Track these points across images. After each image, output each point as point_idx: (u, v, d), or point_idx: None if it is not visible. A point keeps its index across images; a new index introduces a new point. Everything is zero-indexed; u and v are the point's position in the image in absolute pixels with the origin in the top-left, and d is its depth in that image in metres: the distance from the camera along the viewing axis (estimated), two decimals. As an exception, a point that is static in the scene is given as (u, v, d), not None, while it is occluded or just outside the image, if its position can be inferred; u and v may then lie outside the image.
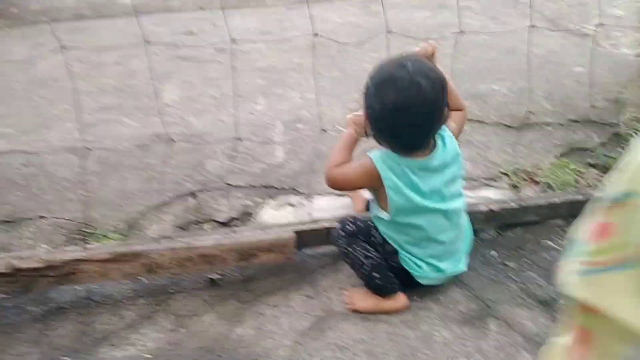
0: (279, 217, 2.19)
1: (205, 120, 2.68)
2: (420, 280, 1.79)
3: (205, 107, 2.78)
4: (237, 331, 1.75)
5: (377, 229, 1.77)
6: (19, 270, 1.74)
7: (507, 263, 2.02)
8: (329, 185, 1.75)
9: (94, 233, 2.09)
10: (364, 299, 1.81)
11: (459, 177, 1.77)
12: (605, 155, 2.49)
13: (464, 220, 1.85)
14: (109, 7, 4.36)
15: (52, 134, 2.59)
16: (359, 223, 1.80)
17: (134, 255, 1.79)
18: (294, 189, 2.31)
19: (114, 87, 2.93)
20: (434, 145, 1.69)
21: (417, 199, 1.67)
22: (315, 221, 2.01)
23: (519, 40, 3.47)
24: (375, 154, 1.67)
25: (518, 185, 2.35)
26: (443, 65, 1.72)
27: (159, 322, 1.78)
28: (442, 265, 1.78)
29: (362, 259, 1.75)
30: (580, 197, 2.19)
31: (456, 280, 1.91)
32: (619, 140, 2.60)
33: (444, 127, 1.69)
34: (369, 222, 1.79)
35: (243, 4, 4.26)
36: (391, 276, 1.77)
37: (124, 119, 2.67)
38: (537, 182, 2.37)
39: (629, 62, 2.88)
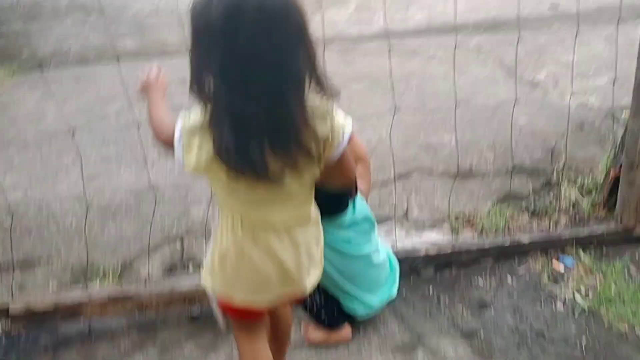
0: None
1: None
2: (360, 317, 2.19)
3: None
4: (211, 357, 2.14)
5: None
6: (33, 312, 2.15)
7: (441, 298, 2.42)
8: None
9: (96, 274, 2.50)
10: (316, 332, 2.20)
11: (369, 232, 2.14)
12: (536, 202, 2.89)
13: (383, 257, 2.21)
14: (111, 51, 4.77)
15: (61, 184, 3.00)
16: None
17: (127, 297, 2.20)
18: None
19: (115, 138, 3.34)
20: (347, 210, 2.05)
21: (333, 243, 1.97)
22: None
23: (476, 91, 3.89)
24: None
25: (457, 229, 2.75)
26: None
27: (148, 350, 2.17)
28: (373, 300, 2.17)
29: (308, 304, 2.15)
30: (507, 242, 2.59)
31: (396, 313, 2.30)
32: (551, 187, 3.00)
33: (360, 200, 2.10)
34: None
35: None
36: (336, 316, 2.15)
37: (122, 170, 3.08)
38: (474, 226, 2.77)
39: (571, 113, 3.25)
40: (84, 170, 2.92)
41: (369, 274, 2.15)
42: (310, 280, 1.61)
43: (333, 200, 1.95)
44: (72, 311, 2.18)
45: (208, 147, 1.32)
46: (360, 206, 2.09)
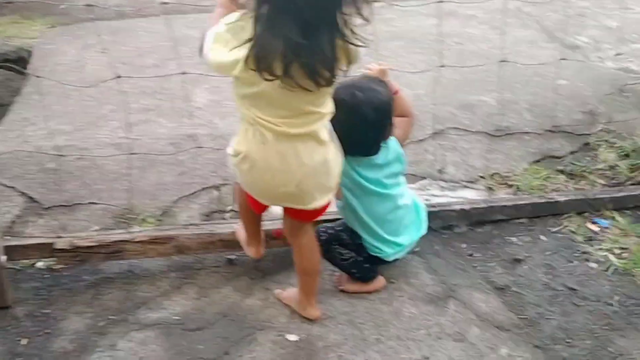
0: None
1: (228, 123, 3.12)
2: (387, 259, 2.18)
3: (229, 111, 3.22)
4: (247, 302, 2.19)
5: (345, 232, 2.17)
6: (77, 247, 2.22)
7: (474, 254, 2.44)
8: None
9: (136, 218, 2.56)
10: (350, 282, 2.24)
11: (400, 173, 2.16)
12: (573, 164, 2.87)
13: (409, 200, 2.21)
14: (149, 6, 4.81)
15: (101, 132, 3.06)
16: (330, 231, 2.18)
17: (167, 239, 2.25)
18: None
19: (152, 89, 3.38)
20: (379, 148, 2.07)
21: (361, 182, 2.05)
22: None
23: (514, 52, 3.83)
24: None
25: (492, 187, 2.76)
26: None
27: (186, 292, 2.24)
28: (399, 240, 2.17)
29: (339, 260, 2.18)
30: (542, 200, 2.59)
31: (428, 266, 2.34)
32: (588, 149, 2.98)
33: (392, 139, 2.09)
34: (338, 228, 2.19)
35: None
36: (367, 267, 2.19)
37: (161, 120, 3.13)
38: (509, 186, 2.77)
39: (611, 76, 3.22)
40: (123, 119, 3.00)
41: (394, 215, 2.14)
42: (317, 202, 1.81)
43: (365, 141, 2.01)
44: (114, 250, 2.25)
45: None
46: (394, 148, 2.11)
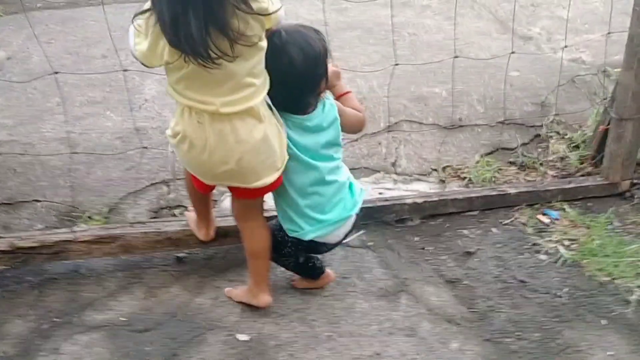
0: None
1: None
2: (303, 238, 1.96)
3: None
4: (197, 300, 2.15)
5: (279, 230, 2.04)
6: (18, 248, 2.14)
7: (426, 248, 2.44)
8: None
9: (81, 216, 2.48)
10: (302, 281, 2.21)
11: (335, 144, 1.95)
12: (524, 155, 2.90)
13: (342, 177, 1.99)
14: (98, -6, 4.66)
15: (46, 126, 2.95)
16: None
17: (113, 238, 2.19)
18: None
19: (100, 81, 3.27)
20: (314, 109, 1.88)
21: (289, 144, 1.85)
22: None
23: (467, 43, 3.84)
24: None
25: (445, 180, 2.76)
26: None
27: (133, 292, 2.18)
28: (324, 217, 1.95)
29: (284, 264, 2.15)
30: (494, 192, 2.60)
31: (381, 260, 2.33)
32: (539, 141, 3.00)
33: (328, 95, 1.94)
34: (274, 228, 2.06)
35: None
36: (311, 266, 2.15)
37: (108, 113, 3.03)
38: (462, 178, 2.78)
39: (562, 67, 3.23)
40: (68, 113, 2.90)
41: (319, 189, 1.94)
42: (262, 180, 1.79)
43: (292, 92, 1.85)
44: (57, 250, 2.17)
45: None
46: (330, 112, 1.92)
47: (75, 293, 2.17)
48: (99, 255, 2.23)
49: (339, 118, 1.93)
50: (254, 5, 1.57)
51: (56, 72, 2.38)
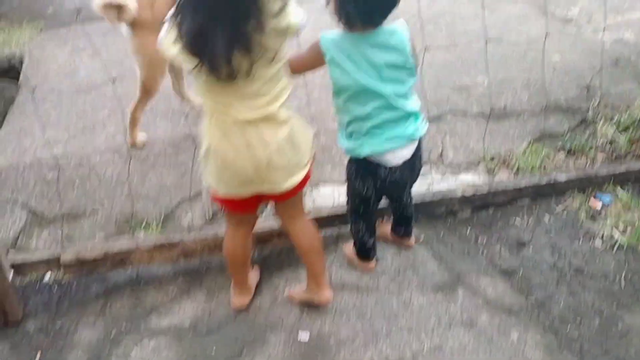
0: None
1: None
2: (363, 153, 1.94)
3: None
4: (256, 302, 2.20)
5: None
6: (84, 259, 2.23)
7: (479, 239, 2.44)
8: (291, 71, 1.86)
9: (139, 224, 2.56)
10: (349, 248, 2.32)
11: (404, 67, 1.86)
12: (572, 140, 2.87)
13: (408, 106, 1.92)
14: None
15: (99, 137, 3.05)
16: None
17: (172, 245, 2.26)
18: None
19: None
20: (379, 20, 1.81)
21: (355, 73, 1.81)
22: (317, 209, 2.45)
23: (507, 29, 3.81)
24: (323, 34, 1.85)
25: (493, 169, 2.75)
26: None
27: (194, 295, 2.25)
28: (382, 132, 1.91)
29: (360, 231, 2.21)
30: (543, 181, 2.59)
31: (434, 254, 2.34)
32: (587, 125, 2.96)
33: (402, 23, 1.86)
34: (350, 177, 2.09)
35: None
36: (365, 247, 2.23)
37: (158, 121, 3.12)
38: (510, 167, 2.77)
39: (605, 48, 3.19)
40: (120, 124, 2.99)
41: (387, 114, 1.89)
42: (290, 180, 1.82)
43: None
44: (120, 259, 2.26)
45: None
46: (400, 35, 1.83)
47: (139, 299, 2.26)
48: (160, 262, 2.31)
49: (408, 45, 1.84)
50: (280, 21, 1.59)
51: (114, 80, 2.41)
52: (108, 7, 2.57)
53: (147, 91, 2.87)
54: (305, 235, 2.06)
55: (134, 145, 2.97)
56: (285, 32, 1.63)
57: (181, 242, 2.28)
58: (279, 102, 1.73)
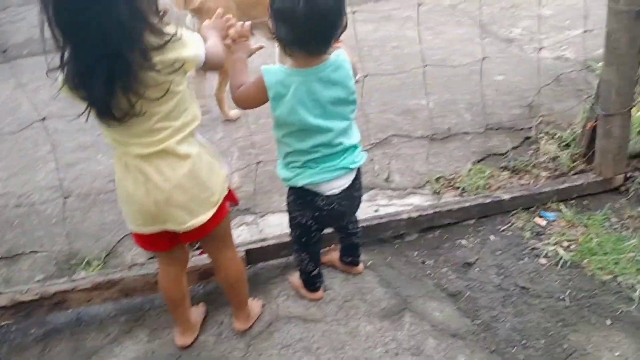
0: (235, 236, 2.58)
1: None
2: (299, 183, 1.91)
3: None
4: (201, 338, 2.15)
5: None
6: (20, 302, 2.15)
7: (426, 262, 2.43)
8: (238, 106, 1.91)
9: (80, 262, 2.49)
10: (296, 278, 2.29)
11: (348, 102, 1.83)
12: (515, 159, 2.90)
13: (350, 140, 1.90)
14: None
15: (39, 174, 2.97)
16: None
17: (112, 283, 2.19)
18: (247, 210, 2.71)
19: (90, 125, 3.28)
20: (327, 58, 1.76)
21: (299, 110, 1.77)
22: (263, 239, 2.41)
23: (452, 51, 3.86)
24: (265, 68, 1.80)
25: (439, 191, 2.76)
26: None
27: (137, 335, 2.18)
28: (319, 165, 1.89)
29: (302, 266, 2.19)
30: (488, 200, 2.60)
31: (381, 279, 2.32)
32: (530, 143, 3.00)
33: (343, 53, 1.81)
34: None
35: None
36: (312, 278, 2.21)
37: (100, 156, 3.06)
38: (455, 188, 2.78)
39: (547, 66, 3.26)
40: (60, 159, 2.92)
41: (325, 150, 1.87)
42: (196, 219, 1.75)
43: (303, 25, 1.67)
44: (58, 301, 2.18)
45: None
46: (342, 65, 1.78)
47: (79, 342, 2.17)
48: (100, 302, 2.23)
49: (351, 76, 1.81)
50: (166, 55, 1.53)
51: (43, 119, 2.37)
52: None
53: (225, 71, 3.21)
54: (223, 270, 2.01)
55: (229, 118, 3.52)
56: (178, 67, 1.56)
57: (121, 280, 2.21)
58: (178, 136, 1.65)
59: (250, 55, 1.95)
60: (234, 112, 3.54)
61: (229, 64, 1.91)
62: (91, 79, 1.46)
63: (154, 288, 2.23)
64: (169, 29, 1.55)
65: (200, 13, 3.10)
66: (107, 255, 2.53)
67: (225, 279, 2.03)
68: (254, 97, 1.85)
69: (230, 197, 1.92)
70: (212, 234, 1.86)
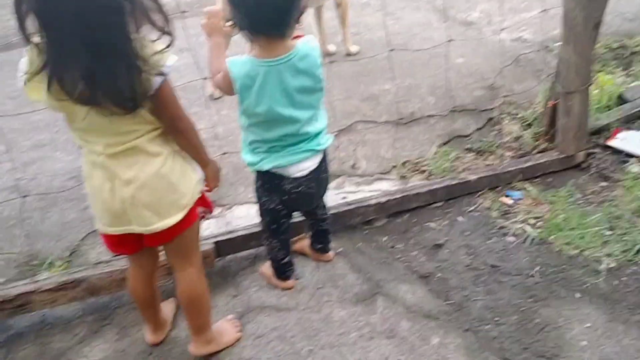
0: (202, 229, 2.53)
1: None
2: (265, 167, 1.90)
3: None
4: (172, 334, 2.10)
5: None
6: (-21, 307, 2.07)
7: (396, 246, 2.43)
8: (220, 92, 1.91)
9: (42, 263, 2.41)
10: (267, 268, 2.26)
11: (315, 90, 1.82)
12: (480, 140, 2.92)
13: (316, 127, 1.89)
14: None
15: (-6, 176, 2.87)
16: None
17: (77, 282, 2.13)
18: (214, 202, 2.66)
19: (45, 123, 3.20)
20: (294, 47, 1.74)
21: (267, 100, 1.75)
22: (231, 231, 2.37)
23: (411, 35, 3.86)
24: (231, 60, 1.76)
25: (406, 176, 2.76)
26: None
27: (105, 335, 2.12)
28: (284, 150, 1.88)
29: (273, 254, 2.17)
30: (455, 181, 2.61)
31: (352, 265, 2.31)
32: (493, 124, 3.03)
33: (312, 41, 1.79)
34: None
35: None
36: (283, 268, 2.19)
37: (58, 154, 2.96)
38: (422, 171, 2.78)
39: (506, 48, 3.28)
40: (17, 159, 2.83)
41: (292, 139, 1.87)
42: (163, 221, 1.66)
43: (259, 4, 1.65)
44: (21, 303, 2.10)
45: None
46: (308, 53, 1.75)
47: (45, 345, 2.10)
48: (65, 302, 2.16)
49: (320, 65, 1.78)
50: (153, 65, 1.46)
51: None
52: None
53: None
54: (190, 288, 1.88)
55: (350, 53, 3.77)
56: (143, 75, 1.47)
57: (87, 279, 2.15)
58: (150, 135, 1.60)
59: (228, 37, 1.86)
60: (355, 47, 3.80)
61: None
62: (71, 69, 1.38)
63: (121, 285, 2.18)
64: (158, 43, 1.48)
65: None
66: (70, 254, 2.46)
67: (182, 297, 1.90)
68: (226, 89, 1.80)
69: (204, 203, 1.83)
70: (177, 241, 1.77)
